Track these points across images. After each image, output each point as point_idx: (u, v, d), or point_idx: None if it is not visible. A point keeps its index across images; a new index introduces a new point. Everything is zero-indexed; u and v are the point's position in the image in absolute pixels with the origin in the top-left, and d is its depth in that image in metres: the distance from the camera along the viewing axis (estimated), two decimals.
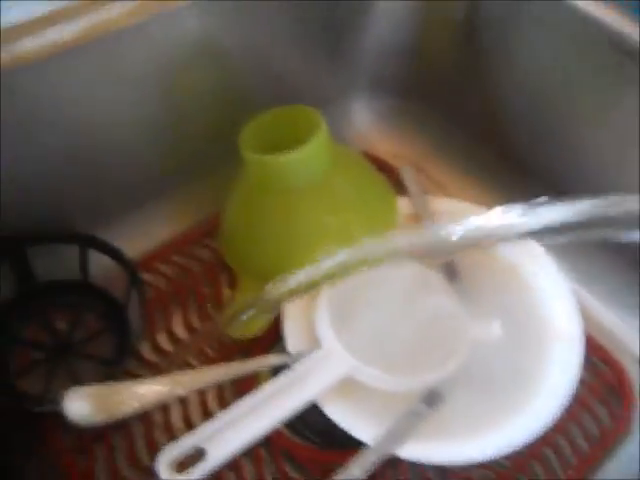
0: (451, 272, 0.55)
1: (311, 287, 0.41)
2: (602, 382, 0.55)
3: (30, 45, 0.44)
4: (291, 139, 0.51)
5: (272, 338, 0.54)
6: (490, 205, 0.57)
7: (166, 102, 0.55)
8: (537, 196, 0.60)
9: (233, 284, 0.57)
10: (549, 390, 0.49)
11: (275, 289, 0.41)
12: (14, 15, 0.44)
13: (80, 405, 0.42)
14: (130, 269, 0.52)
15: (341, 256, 0.41)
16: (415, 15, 0.61)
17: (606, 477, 0.51)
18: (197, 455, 0.42)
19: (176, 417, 0.51)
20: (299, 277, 0.41)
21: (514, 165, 0.61)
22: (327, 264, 0.41)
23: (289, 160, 0.50)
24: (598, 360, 0.55)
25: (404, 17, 0.61)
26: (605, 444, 0.52)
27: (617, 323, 0.57)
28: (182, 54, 0.52)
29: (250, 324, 0.52)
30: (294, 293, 0.41)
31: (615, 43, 0.50)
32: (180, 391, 0.45)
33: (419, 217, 0.57)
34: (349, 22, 0.61)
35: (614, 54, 0.50)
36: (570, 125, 0.56)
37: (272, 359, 0.49)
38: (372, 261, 0.40)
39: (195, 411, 0.52)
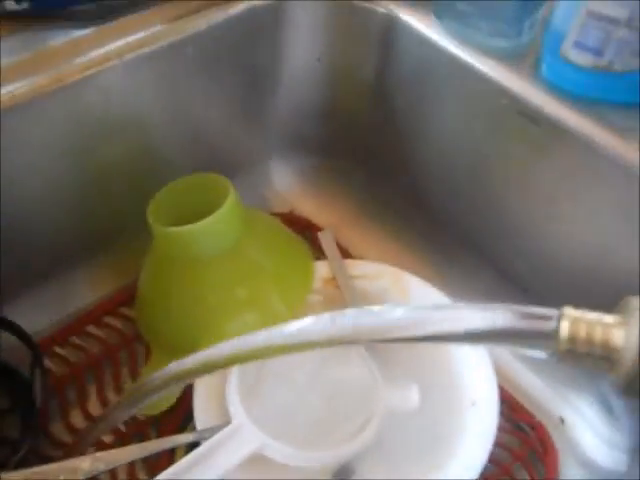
0: None
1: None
2: (525, 446, 0.53)
3: None
4: (201, 208, 0.50)
5: (185, 410, 0.52)
6: (410, 265, 0.58)
7: (77, 172, 0.54)
8: (456, 254, 0.61)
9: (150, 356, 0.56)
10: (464, 456, 0.48)
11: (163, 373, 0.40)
12: None
13: None
14: (33, 348, 0.50)
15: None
16: (326, 76, 0.61)
17: None
18: None
19: None
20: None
21: (434, 224, 0.61)
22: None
23: (194, 231, 0.49)
24: (521, 423, 0.54)
25: (316, 78, 0.61)
26: None
27: (540, 385, 0.56)
28: (94, 124, 0.52)
29: (157, 401, 0.51)
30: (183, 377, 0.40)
31: (519, 108, 0.50)
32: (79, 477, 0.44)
33: (337, 281, 0.57)
34: (263, 85, 0.61)
35: (519, 118, 0.51)
36: (483, 184, 0.56)
37: (181, 437, 0.48)
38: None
39: None
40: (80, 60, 0.48)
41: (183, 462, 0.45)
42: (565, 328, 0.28)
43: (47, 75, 0.48)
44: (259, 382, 0.50)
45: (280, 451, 0.46)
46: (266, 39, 0.57)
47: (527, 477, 0.52)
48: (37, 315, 0.56)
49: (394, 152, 0.62)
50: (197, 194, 0.53)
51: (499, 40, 0.52)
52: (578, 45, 0.47)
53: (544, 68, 0.50)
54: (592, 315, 0.29)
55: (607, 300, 0.33)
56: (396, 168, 0.63)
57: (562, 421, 0.55)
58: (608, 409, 0.54)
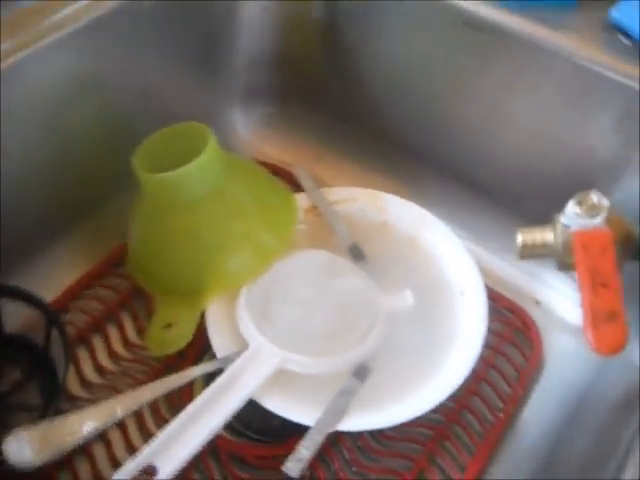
0: (357, 253, 0.58)
1: None
2: (509, 327, 0.59)
3: None
4: (184, 155, 0.52)
5: (197, 351, 0.55)
6: (378, 187, 0.62)
7: (52, 139, 0.55)
8: (419, 171, 0.65)
9: (150, 306, 0.57)
10: (462, 343, 0.53)
11: None
12: None
13: (21, 448, 0.42)
14: (45, 310, 0.51)
15: None
16: (274, 20, 0.64)
17: (530, 413, 0.55)
18: (149, 473, 0.43)
19: (118, 446, 0.51)
20: None
21: (395, 147, 0.66)
22: None
23: (182, 174, 0.51)
24: (502, 309, 0.60)
25: (264, 24, 0.64)
26: (523, 382, 0.56)
27: (513, 271, 0.62)
28: (59, 89, 0.53)
29: (173, 340, 0.53)
30: None
31: (466, 21, 0.55)
32: (118, 412, 0.46)
33: (318, 209, 0.60)
34: (215, 38, 0.63)
35: (466, 32, 0.55)
36: (434, 103, 0.61)
37: (204, 367, 0.50)
38: None
39: (135, 437, 0.52)
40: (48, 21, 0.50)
41: (212, 389, 0.47)
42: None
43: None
44: (267, 304, 0.53)
45: (300, 363, 0.49)
46: None
47: (518, 354, 0.58)
48: (31, 287, 0.56)
49: (344, 89, 0.66)
50: (178, 143, 0.54)
51: None
52: None
53: None
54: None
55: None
56: (349, 104, 0.67)
57: (537, 303, 0.61)
58: None
